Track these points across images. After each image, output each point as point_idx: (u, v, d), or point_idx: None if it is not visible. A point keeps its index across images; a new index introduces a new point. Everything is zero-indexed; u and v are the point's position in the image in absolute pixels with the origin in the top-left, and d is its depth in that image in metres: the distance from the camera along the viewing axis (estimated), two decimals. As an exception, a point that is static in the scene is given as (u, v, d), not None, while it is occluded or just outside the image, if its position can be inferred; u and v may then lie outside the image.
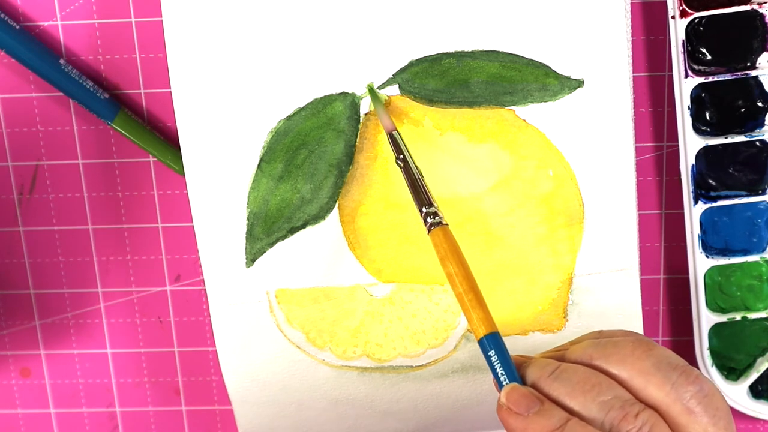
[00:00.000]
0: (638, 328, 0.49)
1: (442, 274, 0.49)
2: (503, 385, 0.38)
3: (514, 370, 0.38)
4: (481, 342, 0.39)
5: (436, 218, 0.42)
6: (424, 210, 0.43)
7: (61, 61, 0.49)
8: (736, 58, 0.47)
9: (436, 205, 0.43)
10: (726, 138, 0.48)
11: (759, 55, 0.47)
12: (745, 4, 0.46)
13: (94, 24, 0.49)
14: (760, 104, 0.48)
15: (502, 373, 0.38)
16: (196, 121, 0.47)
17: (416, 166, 0.45)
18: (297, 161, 0.48)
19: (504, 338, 0.50)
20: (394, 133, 0.45)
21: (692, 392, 0.36)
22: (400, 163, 0.45)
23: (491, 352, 0.39)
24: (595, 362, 0.38)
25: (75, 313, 0.54)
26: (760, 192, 0.49)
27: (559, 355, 0.39)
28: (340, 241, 0.49)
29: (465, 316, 0.40)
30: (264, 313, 0.50)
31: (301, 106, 0.47)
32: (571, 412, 0.36)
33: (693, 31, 0.47)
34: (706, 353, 0.50)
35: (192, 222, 0.49)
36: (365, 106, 0.48)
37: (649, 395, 0.36)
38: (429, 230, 0.42)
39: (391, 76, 0.47)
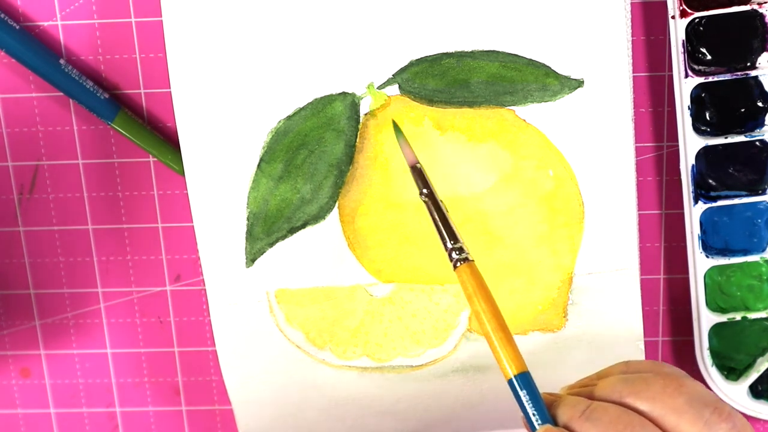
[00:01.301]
0: (638, 328, 0.49)
1: (442, 274, 0.50)
2: (535, 427, 0.38)
3: (545, 410, 0.38)
4: (510, 382, 0.39)
5: (462, 254, 0.42)
6: (449, 245, 0.42)
7: (61, 61, 0.49)
8: (736, 58, 0.47)
9: (462, 241, 0.42)
10: (726, 138, 0.48)
11: (759, 55, 0.47)
12: (745, 4, 0.46)
13: (94, 24, 0.49)
14: (760, 104, 0.48)
15: (534, 414, 0.38)
16: (196, 121, 0.47)
17: (441, 200, 0.44)
18: (297, 161, 0.48)
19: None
20: (418, 165, 0.45)
21: (725, 429, 0.36)
22: (425, 197, 0.44)
23: (522, 392, 0.38)
24: (626, 400, 0.37)
25: (75, 313, 0.54)
26: (760, 192, 0.49)
27: (587, 392, 0.39)
28: (340, 241, 0.49)
29: (493, 356, 0.39)
30: (264, 313, 0.50)
31: (301, 106, 0.47)
32: None
33: (693, 31, 0.47)
34: (706, 353, 0.50)
35: (192, 222, 0.49)
36: (365, 106, 0.48)
37: None
38: (455, 266, 0.42)
39: (391, 76, 0.47)
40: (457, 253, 0.42)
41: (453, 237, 0.43)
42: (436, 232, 0.43)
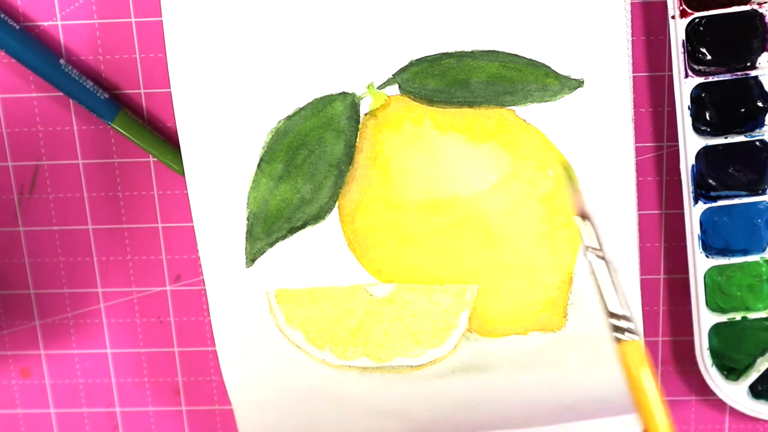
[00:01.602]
0: (638, 328, 0.49)
1: (442, 274, 0.49)
2: None
3: None
4: None
5: (630, 325, 0.37)
6: (616, 313, 0.37)
7: (61, 61, 0.49)
8: (736, 58, 0.47)
9: (630, 312, 0.37)
10: (726, 138, 0.48)
11: (759, 55, 0.47)
12: (745, 4, 0.46)
13: (94, 24, 0.49)
14: (760, 104, 0.48)
15: None
16: (196, 121, 0.47)
17: (609, 260, 0.38)
18: (297, 161, 0.48)
19: (504, 338, 0.50)
20: (589, 216, 0.39)
21: None
22: (597, 258, 0.38)
23: None
24: None
25: (75, 313, 0.54)
26: (760, 192, 0.49)
27: None
28: (339, 241, 0.49)
29: None
30: (264, 313, 0.50)
31: (301, 106, 0.47)
32: None
33: (693, 31, 0.47)
34: (706, 353, 0.50)
35: (192, 222, 0.49)
36: (365, 106, 0.48)
37: None
38: (617, 339, 0.37)
39: (391, 76, 0.47)
40: (624, 324, 0.37)
41: (622, 305, 0.37)
42: (599, 295, 0.37)
